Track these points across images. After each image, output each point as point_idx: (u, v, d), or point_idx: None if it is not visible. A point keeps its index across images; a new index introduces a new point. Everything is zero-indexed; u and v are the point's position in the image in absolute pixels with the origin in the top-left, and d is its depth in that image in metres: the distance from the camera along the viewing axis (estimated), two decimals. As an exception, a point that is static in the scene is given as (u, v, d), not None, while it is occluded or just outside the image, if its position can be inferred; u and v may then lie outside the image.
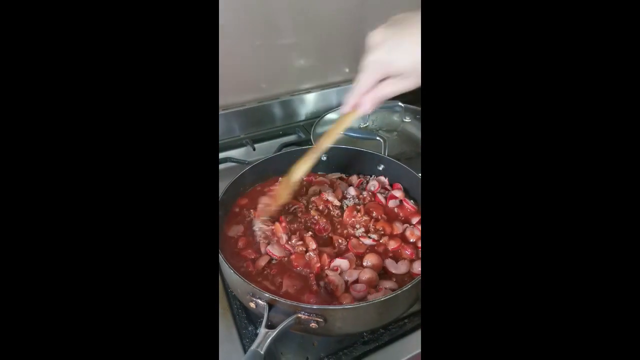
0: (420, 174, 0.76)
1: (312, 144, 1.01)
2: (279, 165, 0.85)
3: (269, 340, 0.50)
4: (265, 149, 1.09)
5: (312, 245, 0.66)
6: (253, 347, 0.49)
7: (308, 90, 1.22)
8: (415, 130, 1.09)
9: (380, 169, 0.86)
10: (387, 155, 0.84)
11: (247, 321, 0.64)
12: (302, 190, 0.83)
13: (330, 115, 1.16)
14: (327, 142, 0.64)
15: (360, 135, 0.91)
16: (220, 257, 0.59)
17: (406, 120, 1.12)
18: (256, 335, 0.61)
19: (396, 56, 0.48)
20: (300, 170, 0.68)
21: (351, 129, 0.93)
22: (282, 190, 0.71)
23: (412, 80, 0.49)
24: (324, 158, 0.89)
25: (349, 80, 1.29)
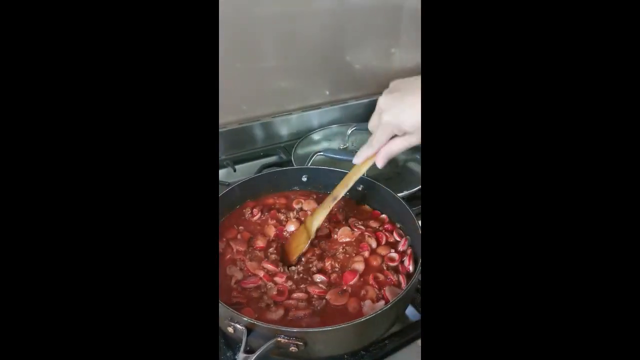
0: (399, 194, 0.78)
1: (292, 165, 1.02)
2: (260, 186, 0.86)
3: (247, 366, 0.49)
4: (246, 170, 1.09)
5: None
6: (231, 373, 0.48)
7: (289, 112, 1.24)
8: (395, 151, 1.12)
9: (360, 189, 0.87)
10: (367, 177, 0.86)
11: (225, 347, 0.63)
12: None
13: (312, 136, 1.18)
14: (342, 190, 0.71)
15: (341, 157, 0.93)
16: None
17: (385, 141, 1.14)
18: (235, 361, 0.60)
19: (402, 119, 0.58)
20: (318, 219, 0.72)
21: (332, 150, 0.95)
22: (300, 240, 0.72)
23: (415, 136, 0.60)
24: (304, 179, 0.90)
25: (330, 102, 1.32)
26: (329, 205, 0.72)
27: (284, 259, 0.72)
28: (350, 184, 0.71)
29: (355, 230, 0.77)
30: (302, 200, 0.85)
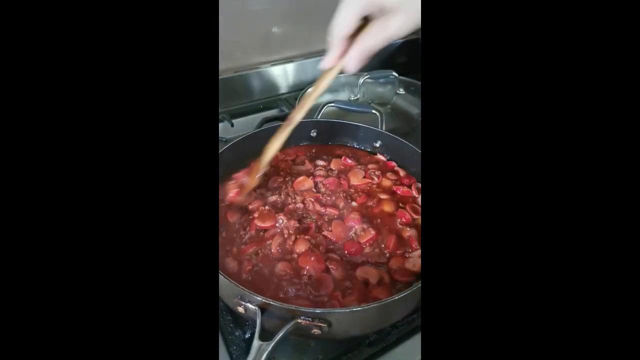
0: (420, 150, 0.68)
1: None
2: (262, 143, 0.75)
3: (264, 356, 0.41)
4: (245, 124, 0.97)
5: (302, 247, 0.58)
6: (246, 364, 0.40)
7: (290, 60, 1.10)
8: (409, 104, 1.01)
9: (377, 145, 0.77)
10: (385, 131, 0.76)
11: (233, 324, 0.55)
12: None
13: (316, 87, 1.05)
14: (304, 110, 0.55)
15: (352, 108, 0.81)
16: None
17: (400, 92, 1.03)
18: (245, 343, 0.53)
19: None
20: (272, 149, 0.58)
21: (343, 102, 0.83)
22: (253, 173, 0.61)
23: (400, 18, 0.39)
24: (314, 134, 0.79)
25: (335, 49, 1.18)
26: (284, 131, 0.57)
27: None
28: (312, 100, 0.53)
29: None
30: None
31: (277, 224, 0.61)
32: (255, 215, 0.62)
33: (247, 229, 0.61)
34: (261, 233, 0.60)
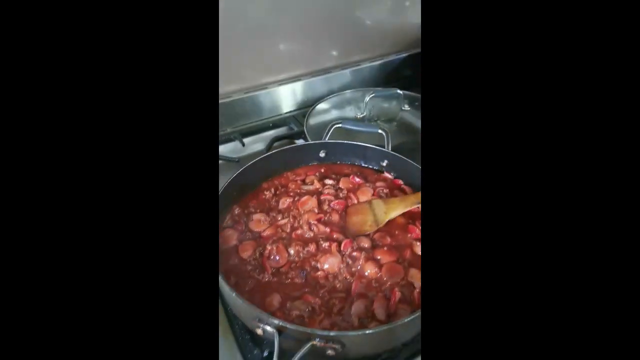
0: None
1: (305, 136, 0.94)
2: (273, 165, 0.78)
3: (283, 377, 0.44)
4: (256, 143, 1.01)
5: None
6: (266, 387, 0.43)
7: (297, 78, 1.14)
8: (415, 119, 1.03)
9: (384, 164, 0.80)
10: (391, 150, 0.78)
11: (252, 343, 0.58)
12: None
13: (322, 105, 1.08)
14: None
15: (359, 128, 0.84)
16: (220, 278, 0.52)
17: (405, 108, 1.05)
18: (265, 362, 0.56)
19: None
20: (396, 212, 0.68)
21: (351, 121, 0.86)
22: (366, 220, 0.69)
23: None
24: (322, 155, 0.82)
25: (340, 66, 1.21)
26: (411, 204, 0.68)
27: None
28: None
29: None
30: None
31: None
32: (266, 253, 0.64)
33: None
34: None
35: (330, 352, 0.48)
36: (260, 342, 0.58)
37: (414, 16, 1.24)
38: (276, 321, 0.48)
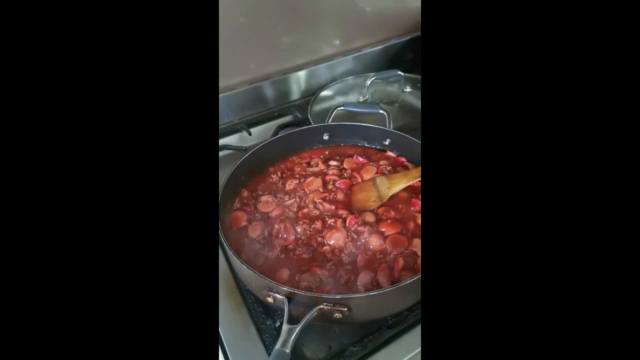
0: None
1: (310, 123, 0.96)
2: (279, 149, 0.81)
3: (293, 337, 0.47)
4: (262, 132, 1.03)
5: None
6: (278, 346, 0.46)
7: (300, 67, 1.16)
8: (416, 100, 1.04)
9: (387, 143, 0.82)
10: (393, 129, 0.80)
11: (264, 315, 0.61)
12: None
13: (326, 92, 1.10)
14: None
15: (361, 110, 0.86)
16: (230, 253, 0.55)
17: (406, 90, 1.07)
18: (276, 330, 0.59)
19: None
20: (398, 186, 0.71)
21: (352, 104, 0.88)
22: (370, 196, 0.71)
23: None
24: (326, 137, 0.85)
25: (342, 53, 1.23)
26: (413, 178, 0.71)
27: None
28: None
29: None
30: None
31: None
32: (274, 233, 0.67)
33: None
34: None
35: (337, 314, 0.50)
36: (273, 313, 0.62)
37: (413, 0, 1.25)
38: (285, 288, 0.50)
